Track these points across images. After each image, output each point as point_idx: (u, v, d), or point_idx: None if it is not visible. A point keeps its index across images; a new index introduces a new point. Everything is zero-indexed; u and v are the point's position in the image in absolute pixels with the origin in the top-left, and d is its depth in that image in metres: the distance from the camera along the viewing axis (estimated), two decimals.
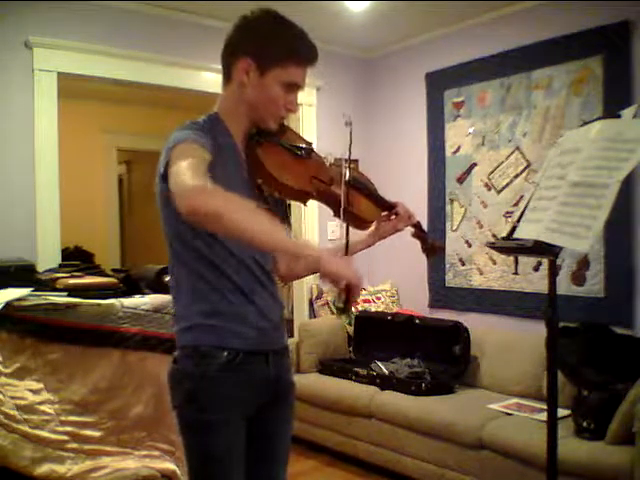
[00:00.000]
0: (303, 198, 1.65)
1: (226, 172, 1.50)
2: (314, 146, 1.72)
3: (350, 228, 1.59)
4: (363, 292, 4.42)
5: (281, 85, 1.54)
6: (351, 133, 1.63)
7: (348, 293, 1.34)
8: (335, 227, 4.47)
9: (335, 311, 1.39)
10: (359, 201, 1.74)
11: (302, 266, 1.74)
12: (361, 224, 1.76)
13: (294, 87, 1.57)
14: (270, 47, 1.52)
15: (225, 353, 1.50)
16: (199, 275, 1.52)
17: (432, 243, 1.91)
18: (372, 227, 1.81)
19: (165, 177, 1.39)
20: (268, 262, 1.62)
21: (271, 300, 1.61)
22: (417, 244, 1.93)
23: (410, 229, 1.88)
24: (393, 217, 1.81)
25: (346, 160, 1.65)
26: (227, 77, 1.59)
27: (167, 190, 1.36)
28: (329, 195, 1.65)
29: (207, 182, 1.29)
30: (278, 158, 1.59)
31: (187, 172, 1.30)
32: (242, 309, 1.53)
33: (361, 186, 1.77)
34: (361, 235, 1.83)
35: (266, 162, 1.54)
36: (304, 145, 1.66)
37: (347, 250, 1.45)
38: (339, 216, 1.58)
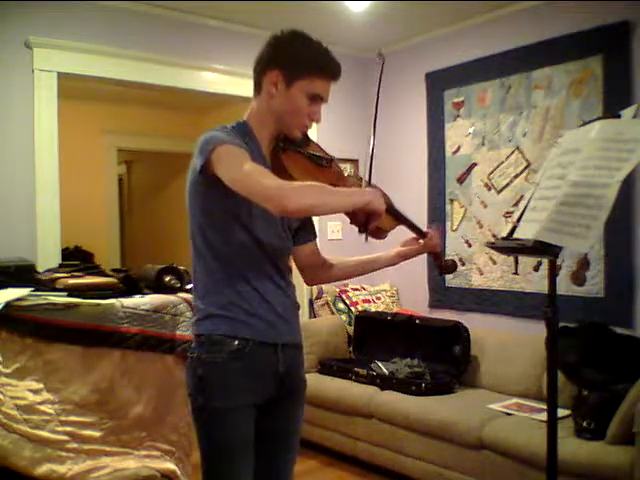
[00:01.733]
0: None
1: None
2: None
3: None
4: (363, 292, 4.43)
5: (306, 96, 1.65)
6: (382, 70, 1.79)
7: (370, 217, 1.53)
8: (335, 227, 4.49)
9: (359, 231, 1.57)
10: None
11: (332, 274, 1.91)
12: (379, 233, 1.79)
13: (318, 99, 1.67)
14: (297, 60, 1.64)
15: (236, 342, 1.60)
16: (214, 270, 1.62)
17: (446, 262, 1.97)
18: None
19: (203, 171, 1.53)
20: (282, 260, 1.72)
21: (283, 297, 1.69)
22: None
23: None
24: (421, 241, 1.88)
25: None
26: (257, 89, 1.70)
27: (201, 184, 1.56)
28: None
29: (278, 180, 1.46)
30: (300, 164, 1.69)
31: (258, 175, 1.46)
32: (254, 303, 1.62)
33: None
34: (387, 254, 1.91)
35: (289, 166, 1.65)
36: (326, 156, 1.76)
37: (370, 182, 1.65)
38: (360, 229, 1.65)
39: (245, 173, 1.47)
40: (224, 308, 1.61)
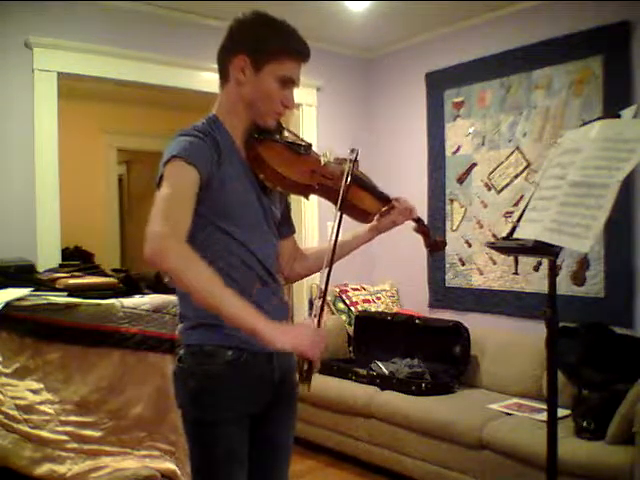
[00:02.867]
0: (305, 191, 1.67)
1: (230, 170, 1.52)
2: (313, 146, 1.73)
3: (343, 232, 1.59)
4: (363, 292, 4.42)
5: (276, 80, 1.55)
6: (354, 165, 1.64)
7: (304, 364, 1.37)
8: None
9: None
10: (360, 194, 1.74)
11: (306, 265, 1.80)
12: (364, 217, 1.76)
13: (289, 82, 1.58)
14: (264, 43, 1.53)
15: (230, 352, 1.52)
16: None
17: (435, 238, 1.91)
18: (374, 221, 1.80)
19: (160, 186, 1.43)
20: (272, 264, 1.64)
21: (275, 301, 1.62)
22: (418, 244, 1.93)
23: (412, 224, 1.86)
24: (392, 211, 1.79)
25: (350, 160, 1.65)
26: (224, 78, 1.60)
27: None
28: (330, 189, 1.66)
29: (174, 229, 1.33)
30: (278, 154, 1.61)
31: (161, 212, 1.34)
32: None
33: (361, 180, 1.77)
34: (360, 231, 1.82)
35: (267, 158, 1.57)
36: (302, 143, 1.68)
37: (319, 322, 1.44)
38: (340, 209, 1.58)
39: (159, 204, 1.36)
40: (216, 317, 1.44)
